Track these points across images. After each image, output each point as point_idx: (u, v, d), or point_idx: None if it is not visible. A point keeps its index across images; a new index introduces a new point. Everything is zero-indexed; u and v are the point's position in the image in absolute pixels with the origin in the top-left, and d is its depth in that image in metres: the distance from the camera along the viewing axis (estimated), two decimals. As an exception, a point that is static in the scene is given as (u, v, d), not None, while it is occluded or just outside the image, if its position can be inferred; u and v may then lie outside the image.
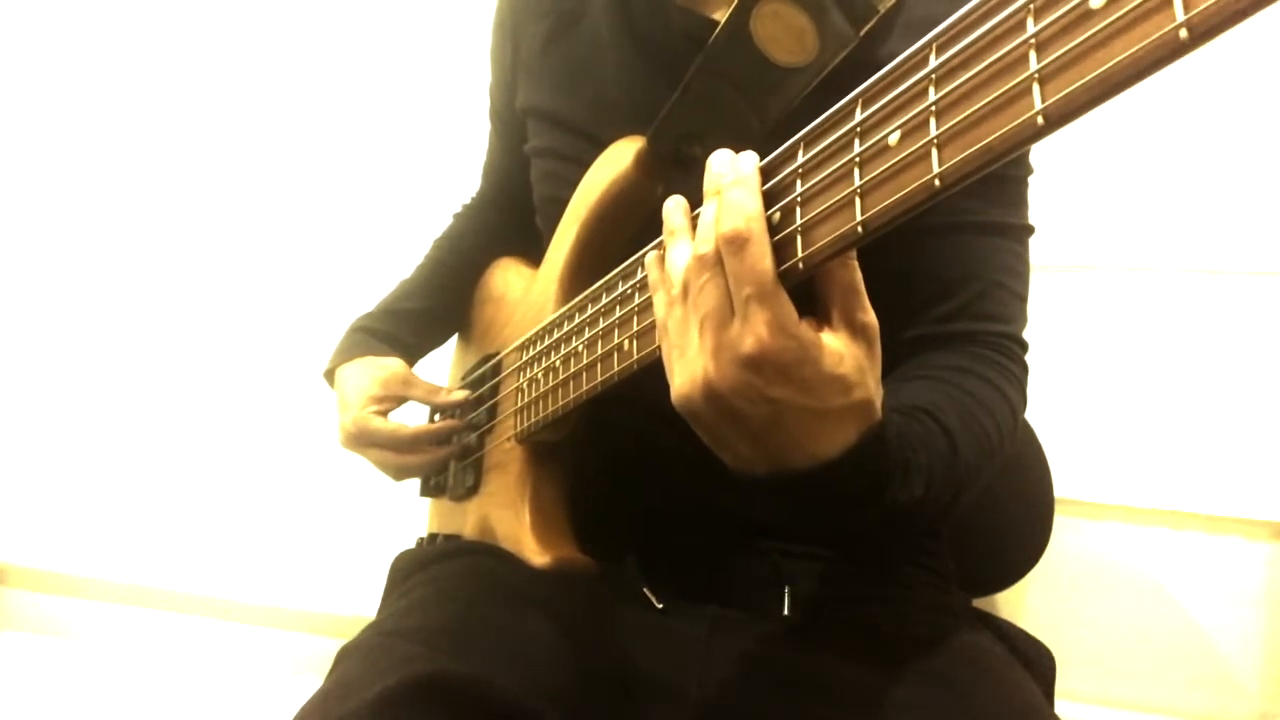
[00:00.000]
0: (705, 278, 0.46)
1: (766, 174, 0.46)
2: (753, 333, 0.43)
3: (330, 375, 0.91)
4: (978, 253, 0.68)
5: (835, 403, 0.46)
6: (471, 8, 1.49)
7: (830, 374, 0.45)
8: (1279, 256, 1.08)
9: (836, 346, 0.45)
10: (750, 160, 0.46)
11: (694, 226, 0.49)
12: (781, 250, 0.44)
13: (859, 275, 0.45)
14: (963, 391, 0.63)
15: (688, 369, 0.47)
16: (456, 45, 1.55)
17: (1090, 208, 1.15)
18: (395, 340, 0.92)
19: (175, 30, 1.73)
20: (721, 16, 0.72)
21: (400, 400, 0.87)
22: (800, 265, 0.43)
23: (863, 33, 0.65)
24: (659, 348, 0.52)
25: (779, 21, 0.62)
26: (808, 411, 0.46)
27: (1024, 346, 0.71)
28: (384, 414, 0.85)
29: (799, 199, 0.44)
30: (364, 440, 0.84)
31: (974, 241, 0.68)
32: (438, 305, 0.97)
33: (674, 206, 0.51)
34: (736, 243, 0.44)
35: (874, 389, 0.47)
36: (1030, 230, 0.73)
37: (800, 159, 0.44)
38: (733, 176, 0.46)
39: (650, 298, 0.56)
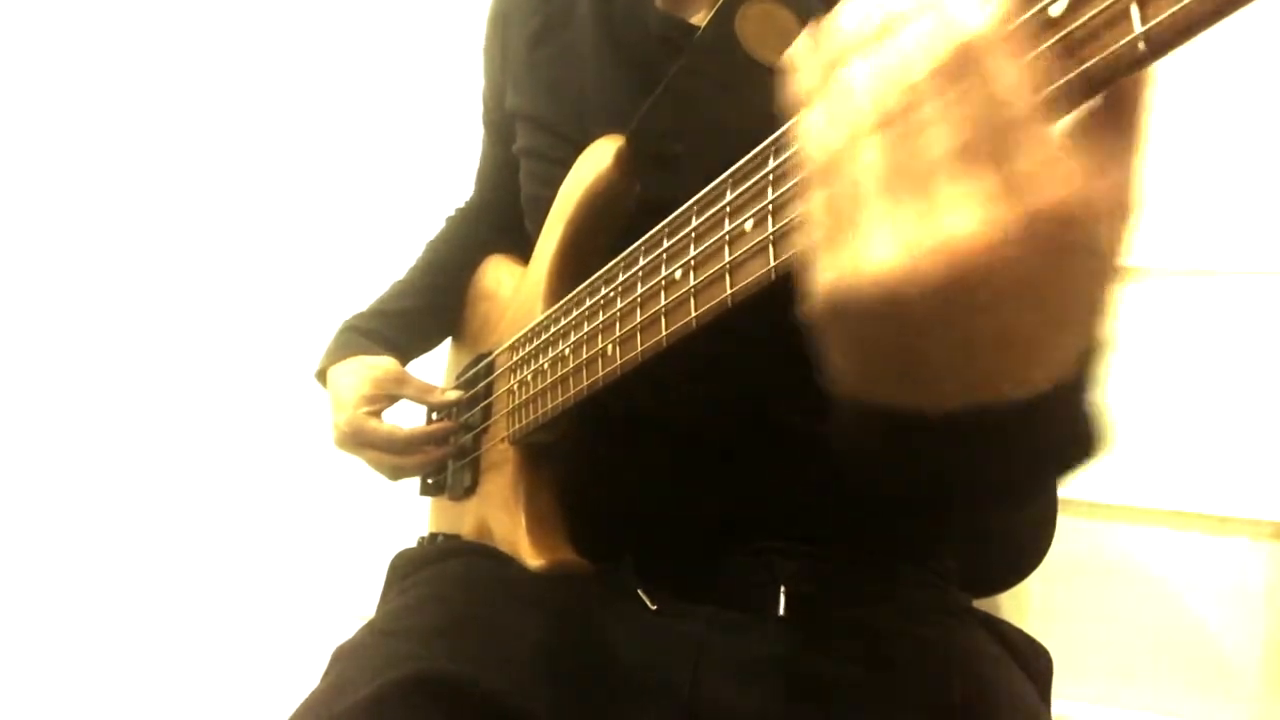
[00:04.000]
0: (961, 89, 0.30)
1: None
2: (1054, 171, 0.29)
3: (322, 376, 0.91)
4: None
5: (1101, 290, 0.34)
6: (467, 11, 1.49)
7: (1124, 238, 0.32)
8: (1280, 257, 1.06)
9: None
10: None
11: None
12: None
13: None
14: None
15: (922, 230, 0.31)
16: (452, 47, 1.54)
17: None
18: (386, 340, 0.92)
19: (172, 31, 1.73)
20: (700, 20, 0.71)
21: (393, 399, 0.87)
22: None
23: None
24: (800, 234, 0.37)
25: (765, 21, 0.61)
26: (1079, 299, 0.33)
27: None
28: (377, 414, 0.85)
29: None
30: (359, 441, 0.85)
31: None
32: (429, 306, 0.97)
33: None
34: (1015, 41, 0.29)
35: None
36: None
37: None
38: None
39: (633, 302, 0.55)
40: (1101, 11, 0.28)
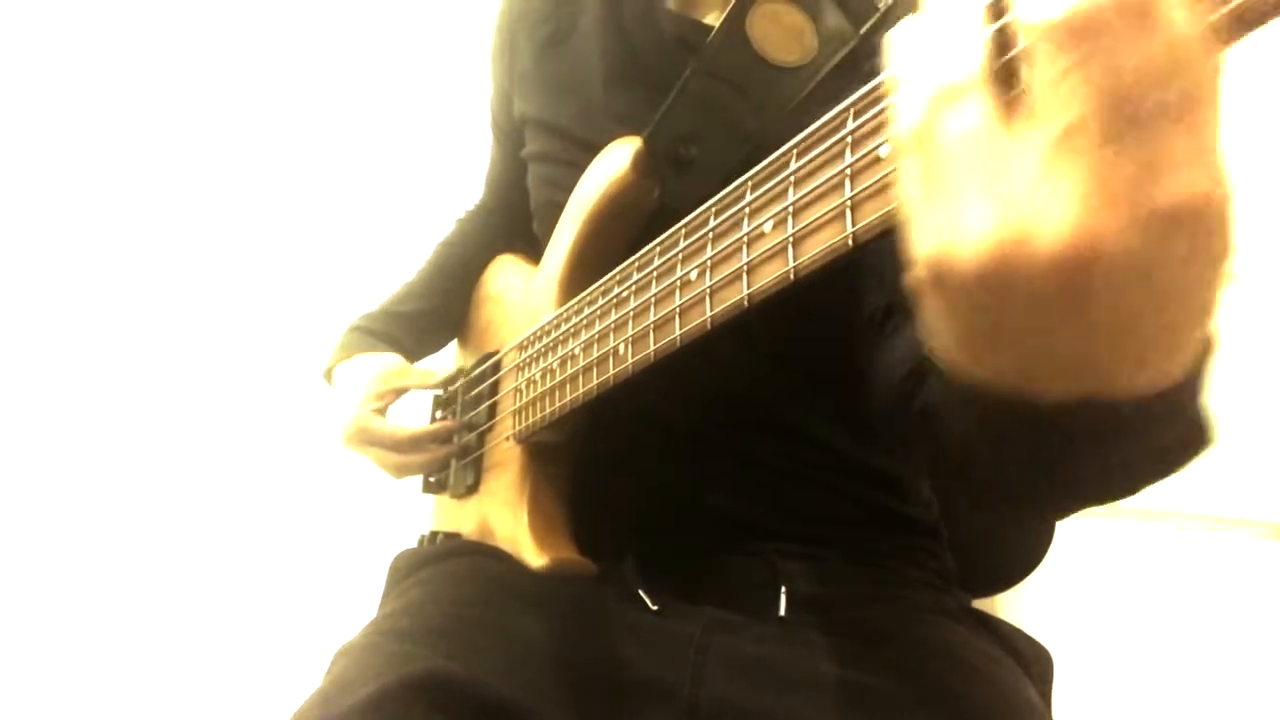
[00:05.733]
0: (1068, 60, 0.27)
1: None
2: (1177, 166, 0.26)
3: (328, 375, 0.91)
4: None
5: (1211, 294, 0.31)
6: (474, 14, 1.48)
7: (1233, 245, 0.29)
8: (1282, 259, 1.07)
9: None
10: None
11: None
12: None
13: None
14: None
15: (1016, 213, 0.28)
16: (459, 49, 1.54)
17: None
18: (393, 341, 0.92)
19: (185, 35, 1.72)
20: (713, 20, 0.72)
21: (399, 392, 0.87)
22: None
23: (863, 30, 0.64)
24: (895, 204, 0.36)
25: (776, 22, 0.62)
26: (1187, 307, 0.30)
27: None
28: (383, 410, 0.86)
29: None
30: (364, 439, 0.85)
31: None
32: (437, 308, 0.97)
33: None
34: (1141, 5, 0.26)
35: None
36: None
37: None
38: None
39: (646, 301, 0.56)
40: None
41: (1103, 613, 1.07)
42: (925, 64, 0.31)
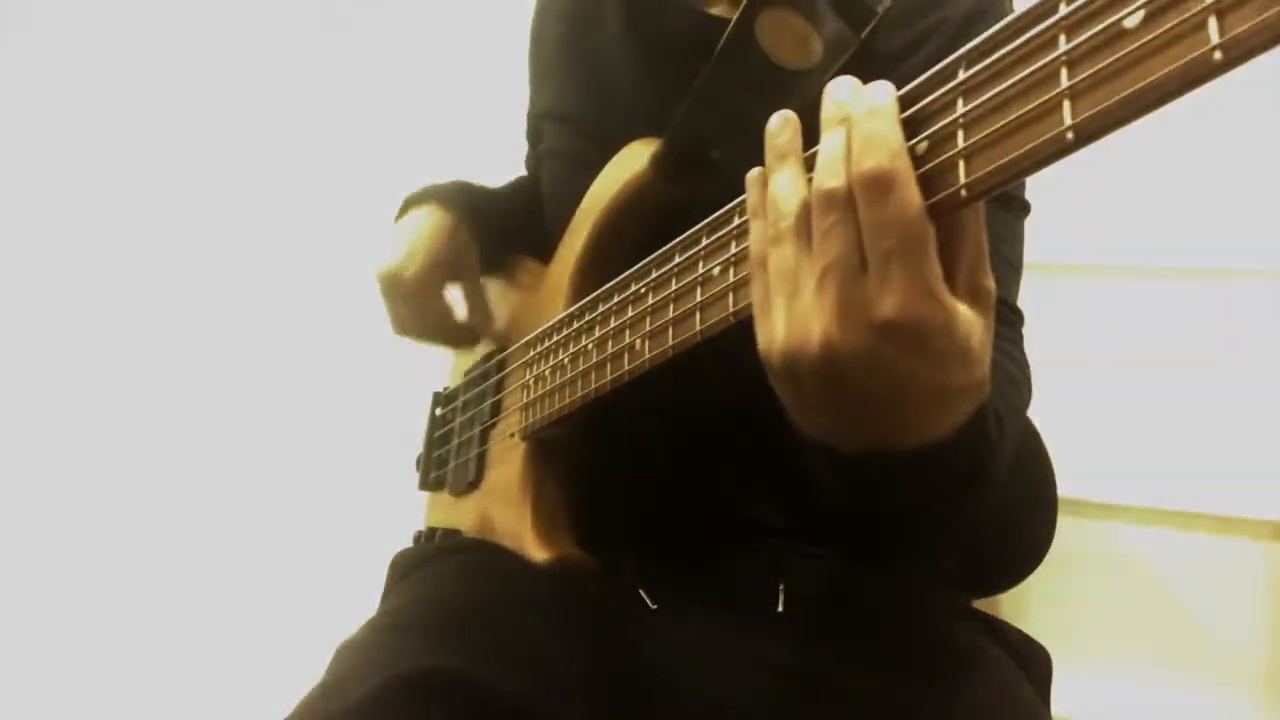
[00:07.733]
0: (831, 220, 0.39)
1: (905, 103, 0.39)
2: (894, 293, 0.37)
3: (417, 202, 0.86)
4: None
5: (958, 380, 0.41)
6: (483, 8, 1.49)
7: (962, 346, 0.39)
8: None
9: (968, 316, 0.39)
10: (885, 90, 0.40)
11: (804, 160, 0.43)
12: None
13: (984, 234, 0.40)
14: None
15: (797, 323, 0.41)
16: (467, 44, 1.54)
17: (1093, 206, 1.13)
18: (487, 228, 0.87)
19: (195, 31, 1.71)
20: (720, 12, 0.73)
21: (453, 282, 0.84)
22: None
23: (863, 35, 0.65)
24: (738, 307, 0.49)
25: (783, 28, 0.63)
26: (929, 389, 0.41)
27: (1020, 317, 0.71)
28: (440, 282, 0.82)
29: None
30: (407, 291, 0.81)
31: None
32: (510, 241, 0.90)
33: (781, 123, 0.45)
34: (879, 185, 0.37)
35: (989, 365, 0.43)
36: (1026, 208, 0.72)
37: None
38: (866, 107, 0.39)
39: (666, 298, 0.56)
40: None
41: (1103, 613, 1.08)
42: (766, 207, 0.43)
